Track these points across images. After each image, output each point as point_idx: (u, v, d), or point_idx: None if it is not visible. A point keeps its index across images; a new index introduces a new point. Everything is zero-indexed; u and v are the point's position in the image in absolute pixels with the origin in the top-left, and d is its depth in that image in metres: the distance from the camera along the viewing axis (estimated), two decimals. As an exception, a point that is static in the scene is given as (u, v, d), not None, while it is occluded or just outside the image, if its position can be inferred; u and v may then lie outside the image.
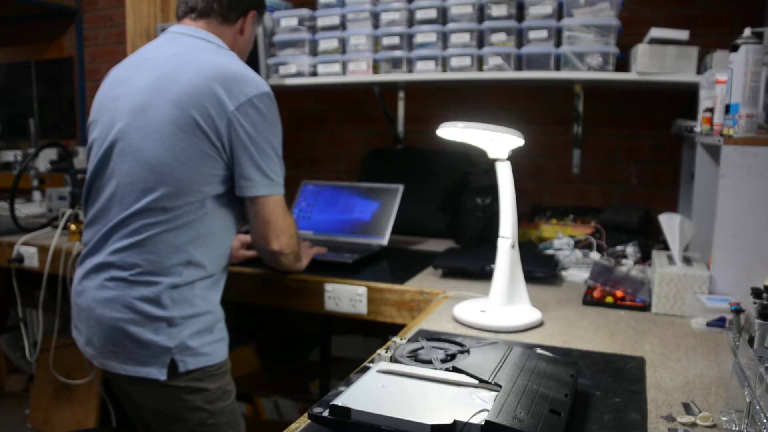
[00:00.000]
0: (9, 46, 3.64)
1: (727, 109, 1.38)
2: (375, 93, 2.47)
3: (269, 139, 1.37)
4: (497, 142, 1.32)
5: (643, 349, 1.18)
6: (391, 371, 0.91)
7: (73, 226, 2.16)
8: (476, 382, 0.87)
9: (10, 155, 2.93)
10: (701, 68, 1.86)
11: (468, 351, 0.99)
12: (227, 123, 1.32)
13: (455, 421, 0.75)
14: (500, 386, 0.85)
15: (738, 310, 1.16)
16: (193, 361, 1.34)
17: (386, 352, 0.99)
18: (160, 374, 1.32)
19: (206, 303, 1.39)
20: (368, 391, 0.83)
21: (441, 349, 1.01)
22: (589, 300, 1.50)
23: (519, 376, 0.89)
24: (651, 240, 1.99)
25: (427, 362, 0.95)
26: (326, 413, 0.79)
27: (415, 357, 0.97)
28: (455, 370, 0.92)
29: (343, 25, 2.23)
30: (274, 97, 1.39)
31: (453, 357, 0.97)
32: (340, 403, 0.78)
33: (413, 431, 0.74)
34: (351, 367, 1.08)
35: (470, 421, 0.75)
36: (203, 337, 1.37)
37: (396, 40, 2.14)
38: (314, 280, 1.69)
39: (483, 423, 0.74)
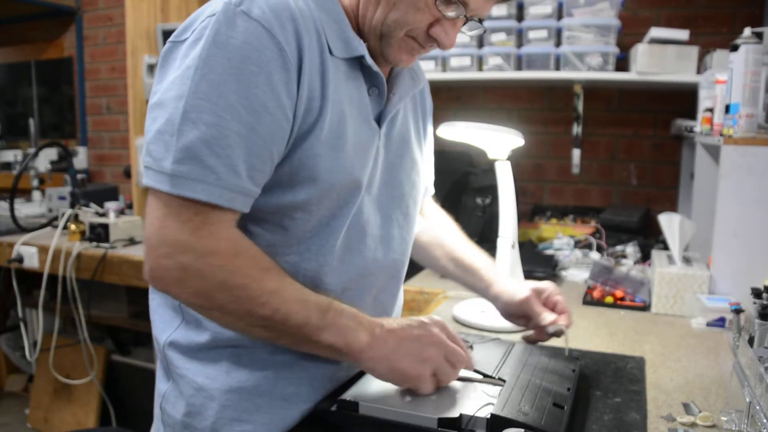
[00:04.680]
0: (9, 46, 3.64)
1: (727, 109, 1.38)
2: (375, 93, 2.47)
3: (159, 92, 0.75)
4: (497, 142, 1.32)
5: (643, 349, 1.18)
6: None
7: (73, 226, 2.16)
8: (480, 377, 0.88)
9: (10, 155, 2.93)
10: (701, 68, 1.86)
11: (471, 347, 1.00)
12: None
13: (461, 415, 0.76)
14: (504, 381, 0.86)
15: (738, 310, 1.16)
16: None
17: None
18: None
19: None
20: (375, 386, 0.84)
21: None
22: (589, 300, 1.50)
23: (522, 371, 0.90)
24: (651, 240, 1.99)
25: None
26: (334, 408, 0.80)
27: None
28: None
29: (343, 25, 2.23)
30: (239, 15, 0.72)
31: None
32: (348, 398, 0.79)
33: (421, 424, 0.75)
34: (351, 367, 1.08)
35: (476, 415, 0.75)
36: None
37: (396, 40, 2.14)
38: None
39: (489, 416, 0.74)
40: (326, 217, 0.84)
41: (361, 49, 0.83)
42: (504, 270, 1.33)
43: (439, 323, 0.85)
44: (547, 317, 1.04)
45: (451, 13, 0.81)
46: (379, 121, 0.90)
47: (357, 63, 0.84)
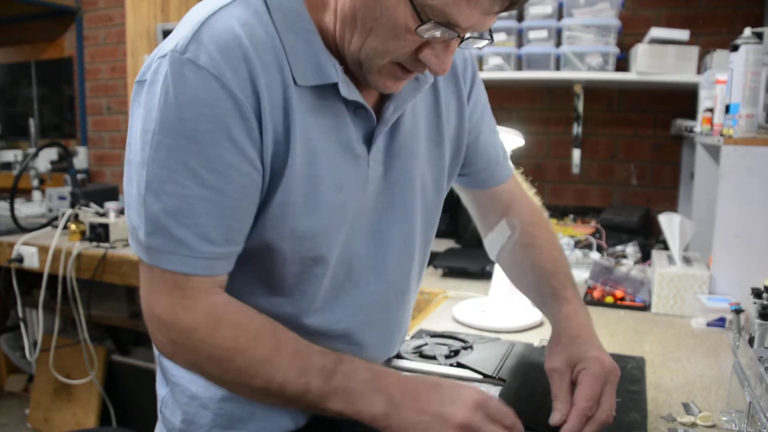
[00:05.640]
0: (9, 46, 3.64)
1: (727, 109, 1.39)
2: (375, 93, 2.46)
3: (132, 148, 0.71)
4: (497, 142, 1.32)
5: (643, 349, 1.18)
6: (397, 367, 0.91)
7: (73, 226, 2.16)
8: (480, 377, 0.88)
9: (10, 155, 2.93)
10: (701, 68, 1.86)
11: (471, 347, 1.00)
12: None
13: None
14: (504, 381, 0.86)
15: (738, 310, 1.16)
16: None
17: None
18: None
19: None
20: None
21: (444, 345, 1.01)
22: (589, 300, 1.50)
23: (522, 371, 0.89)
24: (651, 240, 1.99)
25: (432, 358, 0.96)
26: None
27: (419, 353, 0.98)
28: (459, 365, 0.92)
29: (343, 25, 2.23)
30: (186, 65, 0.66)
31: (456, 353, 0.98)
32: None
33: None
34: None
35: None
36: None
37: (396, 40, 2.14)
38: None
39: None
40: (309, 262, 0.77)
41: (334, 75, 0.72)
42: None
43: (481, 402, 0.69)
44: (556, 414, 0.77)
45: (439, 35, 0.67)
46: (371, 140, 0.79)
47: (331, 87, 0.74)
